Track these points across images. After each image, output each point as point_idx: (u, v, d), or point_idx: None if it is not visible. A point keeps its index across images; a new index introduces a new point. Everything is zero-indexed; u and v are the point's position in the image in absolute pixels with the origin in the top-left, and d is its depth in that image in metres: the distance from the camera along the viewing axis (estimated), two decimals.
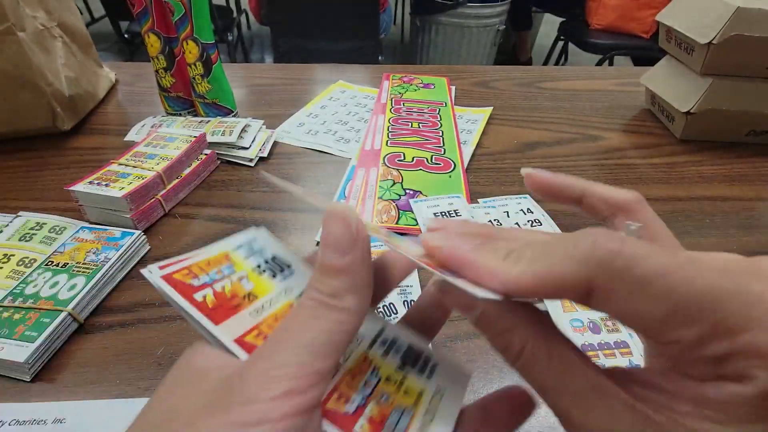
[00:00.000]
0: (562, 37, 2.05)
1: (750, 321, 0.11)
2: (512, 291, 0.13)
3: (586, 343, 0.31)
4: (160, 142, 0.45)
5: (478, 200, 0.44)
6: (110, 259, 0.33)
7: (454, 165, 0.48)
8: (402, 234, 0.39)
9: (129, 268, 0.35)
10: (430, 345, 0.19)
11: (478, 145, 0.53)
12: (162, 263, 0.16)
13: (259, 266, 0.18)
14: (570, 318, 0.33)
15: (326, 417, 0.14)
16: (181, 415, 0.13)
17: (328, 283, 0.14)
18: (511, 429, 0.16)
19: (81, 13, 0.57)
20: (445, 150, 0.50)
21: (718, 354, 0.11)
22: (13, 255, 0.34)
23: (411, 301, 0.33)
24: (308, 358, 0.13)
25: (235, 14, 2.12)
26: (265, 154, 0.49)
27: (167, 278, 0.15)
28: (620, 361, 0.30)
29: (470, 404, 0.17)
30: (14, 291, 0.31)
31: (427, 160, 0.48)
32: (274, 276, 0.17)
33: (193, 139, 0.45)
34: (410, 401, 0.16)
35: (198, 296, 0.15)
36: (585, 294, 0.12)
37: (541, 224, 0.41)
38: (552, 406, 0.14)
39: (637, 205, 0.17)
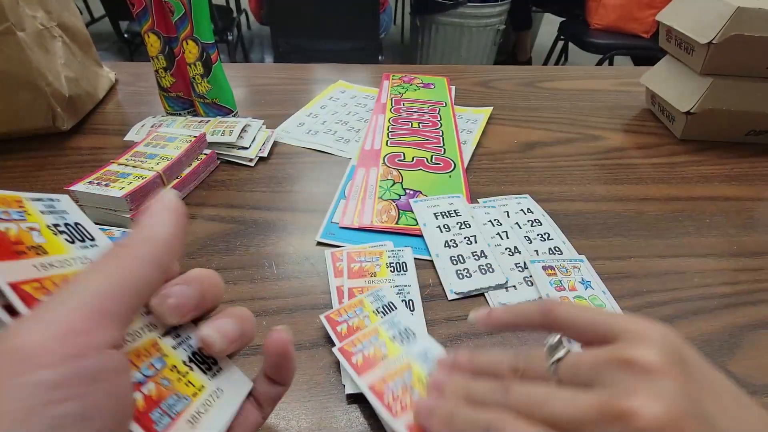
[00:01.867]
0: (562, 37, 2.05)
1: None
2: None
3: None
4: (159, 142, 0.45)
5: (478, 200, 0.44)
6: None
7: (454, 165, 0.48)
8: (402, 234, 0.39)
9: None
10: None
11: (478, 145, 0.53)
12: None
13: (56, 225, 0.17)
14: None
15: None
16: None
17: (126, 239, 0.15)
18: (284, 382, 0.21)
19: (81, 13, 0.57)
20: (445, 150, 0.50)
21: None
22: None
23: (410, 300, 0.33)
24: (91, 299, 0.13)
25: (235, 14, 2.12)
26: (264, 154, 0.49)
27: None
28: None
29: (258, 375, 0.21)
30: None
31: (427, 159, 0.48)
32: (72, 242, 0.17)
33: (193, 139, 0.45)
34: (189, 392, 0.17)
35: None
36: None
37: (541, 224, 0.41)
38: None
39: (546, 318, 0.20)
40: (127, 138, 0.51)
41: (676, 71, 0.56)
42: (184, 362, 0.17)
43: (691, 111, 0.52)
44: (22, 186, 0.44)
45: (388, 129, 0.53)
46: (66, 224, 0.18)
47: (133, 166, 0.41)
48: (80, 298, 0.13)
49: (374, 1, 1.37)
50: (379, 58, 1.56)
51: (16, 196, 0.17)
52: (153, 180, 0.39)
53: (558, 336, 0.19)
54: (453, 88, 0.66)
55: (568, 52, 2.25)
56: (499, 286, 0.35)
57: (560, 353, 0.18)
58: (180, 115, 0.55)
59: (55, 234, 0.17)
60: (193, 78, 0.51)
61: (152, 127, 0.51)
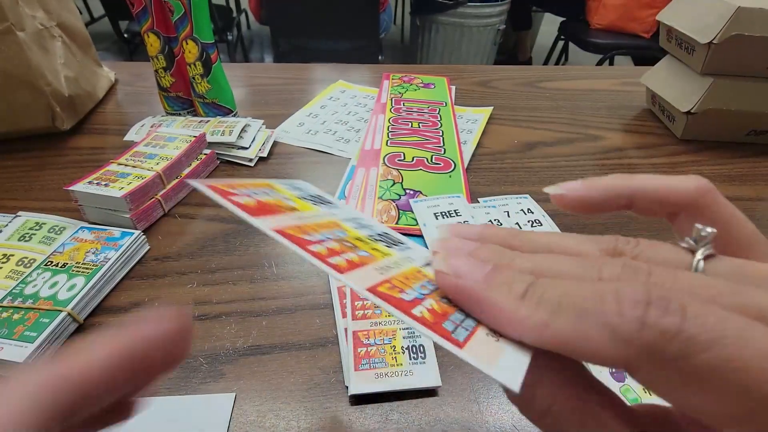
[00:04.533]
0: (562, 37, 2.05)
1: None
2: (530, 342, 0.11)
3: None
4: (159, 141, 0.45)
5: (479, 200, 0.44)
6: (110, 259, 0.33)
7: (455, 165, 0.47)
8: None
9: (128, 269, 0.35)
10: None
11: (478, 145, 0.53)
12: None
13: (302, 197, 0.18)
14: None
15: (378, 296, 0.12)
16: None
17: None
18: None
19: (80, 13, 0.57)
20: (445, 150, 0.50)
21: None
22: (13, 255, 0.34)
23: None
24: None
25: (234, 14, 2.12)
26: (264, 154, 0.49)
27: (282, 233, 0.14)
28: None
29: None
30: (13, 291, 0.31)
31: (427, 159, 0.48)
32: (316, 204, 0.18)
33: (193, 139, 0.45)
34: None
35: (313, 248, 0.13)
36: (622, 368, 0.10)
37: (541, 224, 0.41)
38: None
39: (703, 199, 0.14)
40: (127, 138, 0.51)
41: (676, 71, 0.56)
42: None
43: (692, 111, 0.52)
44: (22, 186, 0.44)
45: (388, 129, 0.53)
46: (310, 195, 0.19)
47: (133, 166, 0.41)
48: None
49: (374, 1, 1.37)
50: (379, 57, 1.56)
51: (266, 182, 0.18)
52: (152, 180, 0.39)
53: (713, 230, 0.13)
54: (453, 88, 0.66)
55: (568, 52, 2.25)
56: None
57: (709, 249, 0.12)
58: (180, 115, 0.55)
59: (302, 200, 0.18)
60: (193, 78, 0.51)
61: (152, 127, 0.51)
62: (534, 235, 0.14)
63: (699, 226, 0.13)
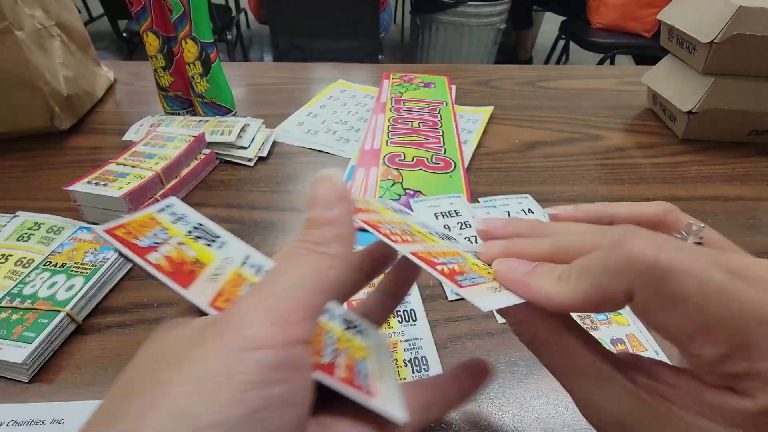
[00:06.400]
0: (563, 36, 2.05)
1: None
2: (568, 309, 0.15)
3: None
4: (158, 141, 0.45)
5: (479, 200, 0.43)
6: (108, 259, 0.33)
7: (455, 165, 0.47)
8: None
9: (127, 269, 0.35)
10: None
11: (478, 145, 0.53)
12: (103, 226, 0.15)
13: (190, 232, 0.18)
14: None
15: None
16: (169, 353, 0.13)
17: (316, 233, 0.15)
18: (473, 390, 0.19)
19: (79, 12, 0.57)
20: (445, 149, 0.50)
21: (732, 372, 0.12)
22: (11, 255, 0.34)
23: (411, 302, 0.33)
24: (299, 292, 0.13)
25: (234, 13, 2.11)
26: (264, 154, 0.49)
27: (111, 233, 0.15)
28: None
29: (443, 374, 0.20)
30: (12, 291, 0.31)
31: (427, 159, 0.48)
32: (209, 245, 0.18)
33: (192, 139, 0.45)
34: (363, 354, 0.18)
35: (152, 258, 0.15)
36: (628, 302, 0.13)
37: None
38: (562, 385, 0.16)
39: (668, 216, 0.17)
40: (126, 137, 0.50)
41: (677, 70, 0.56)
42: (344, 330, 0.18)
43: (693, 110, 0.52)
44: (20, 186, 0.44)
45: (388, 129, 0.53)
46: (195, 227, 0.18)
47: (132, 166, 0.41)
48: (291, 293, 0.13)
49: (374, 0, 1.37)
50: (379, 57, 1.55)
51: (149, 214, 0.17)
52: (152, 180, 0.39)
53: (702, 225, 0.17)
54: (453, 87, 0.66)
55: (569, 52, 2.24)
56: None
57: (696, 238, 0.16)
58: (179, 114, 0.55)
59: (195, 241, 0.17)
60: (192, 77, 0.51)
61: (151, 126, 0.51)
62: (550, 226, 0.18)
63: (691, 221, 0.17)
